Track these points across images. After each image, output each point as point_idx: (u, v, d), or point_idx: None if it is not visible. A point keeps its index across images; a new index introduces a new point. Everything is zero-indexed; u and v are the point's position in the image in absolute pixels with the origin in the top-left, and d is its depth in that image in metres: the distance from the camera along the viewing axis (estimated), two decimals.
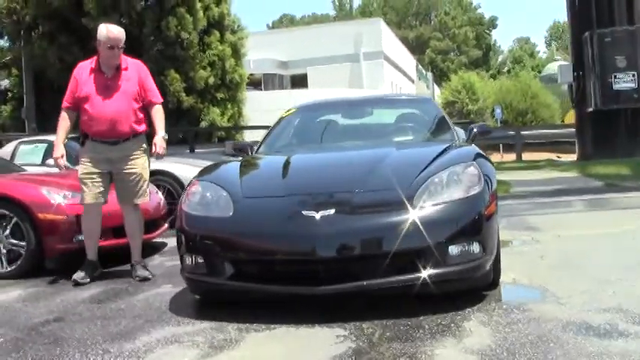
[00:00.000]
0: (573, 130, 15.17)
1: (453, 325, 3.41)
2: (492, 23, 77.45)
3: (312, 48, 35.57)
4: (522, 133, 18.74)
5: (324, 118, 5.93)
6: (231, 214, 3.81)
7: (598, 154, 12.59)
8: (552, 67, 48.16)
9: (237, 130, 17.75)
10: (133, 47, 16.35)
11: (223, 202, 3.93)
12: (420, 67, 54.87)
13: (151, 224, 6.24)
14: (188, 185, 4.34)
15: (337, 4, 73.64)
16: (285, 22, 74.66)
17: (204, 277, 3.83)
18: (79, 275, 5.06)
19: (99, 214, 5.24)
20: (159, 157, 5.30)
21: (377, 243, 3.57)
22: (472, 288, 3.89)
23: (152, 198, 6.50)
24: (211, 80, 16.51)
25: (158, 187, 7.33)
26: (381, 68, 36.65)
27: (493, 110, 36.18)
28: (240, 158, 5.11)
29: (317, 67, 35.90)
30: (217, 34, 16.79)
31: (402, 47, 45.93)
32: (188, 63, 16.01)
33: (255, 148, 5.45)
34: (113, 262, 5.73)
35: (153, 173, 7.70)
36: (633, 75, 12.57)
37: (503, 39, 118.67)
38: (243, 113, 18.14)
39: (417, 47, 60.50)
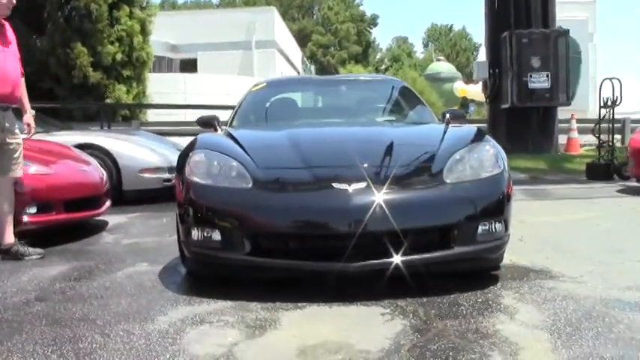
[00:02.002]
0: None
1: (491, 302, 3.33)
2: (373, 21, 78.75)
3: (203, 33, 34.77)
4: None
5: (298, 94, 5.71)
6: (251, 184, 3.55)
7: (511, 149, 13.00)
8: (435, 67, 49.77)
9: (141, 109, 17.04)
10: (36, 16, 15.56)
11: (236, 172, 3.66)
12: (305, 59, 55.16)
13: (93, 201, 5.83)
14: (184, 156, 3.99)
15: None
16: (167, 6, 72.76)
17: (218, 252, 3.53)
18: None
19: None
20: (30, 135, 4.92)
21: (413, 218, 3.43)
22: (487, 268, 3.87)
23: (94, 173, 6.07)
24: (119, 56, 15.70)
25: None
26: (273, 57, 36.41)
27: None
28: (220, 131, 4.84)
29: (207, 52, 35.17)
30: (127, 9, 15.98)
31: (291, 38, 45.90)
32: (96, 37, 15.11)
33: (228, 121, 5.20)
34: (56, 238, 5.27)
35: (82, 147, 7.24)
36: (547, 75, 13.11)
37: (382, 37, 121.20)
38: (147, 93, 17.45)
39: (298, 40, 60.58)
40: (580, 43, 15.29)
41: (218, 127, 5.03)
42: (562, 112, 14.57)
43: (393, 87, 5.87)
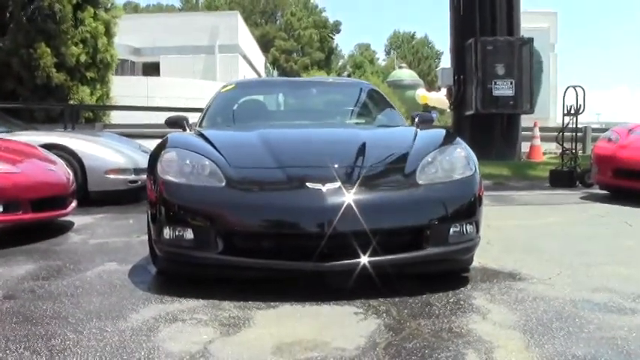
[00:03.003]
0: None
1: (463, 302, 3.37)
2: (336, 27, 78.92)
3: (166, 36, 34.66)
4: None
5: (267, 95, 5.71)
6: (224, 183, 3.53)
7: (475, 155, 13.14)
8: (397, 74, 50.08)
9: (104, 111, 16.83)
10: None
11: (209, 171, 3.64)
12: (268, 64, 55.07)
13: (60, 201, 5.74)
14: (155, 155, 3.95)
15: None
16: (129, 10, 71.99)
17: (191, 251, 3.51)
18: None
19: None
20: None
21: (386, 218, 3.45)
22: (457, 269, 3.91)
23: (60, 172, 5.98)
24: (82, 58, 15.49)
25: None
26: (237, 62, 36.35)
27: None
28: (189, 131, 4.81)
29: (170, 56, 35.00)
30: (91, 10, 15.79)
31: (254, 43, 45.83)
32: (60, 38, 14.90)
33: (198, 122, 5.17)
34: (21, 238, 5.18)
35: (47, 147, 7.13)
36: (511, 82, 13.26)
37: (344, 44, 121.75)
38: (110, 95, 17.24)
39: (261, 45, 60.57)
40: (541, 53, 15.47)
41: (187, 128, 5.00)
42: (524, 120, 14.78)
43: (361, 89, 5.90)
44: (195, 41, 35.21)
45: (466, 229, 3.65)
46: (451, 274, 3.89)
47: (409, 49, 79.53)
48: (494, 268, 4.19)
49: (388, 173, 3.73)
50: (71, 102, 15.44)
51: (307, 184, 3.45)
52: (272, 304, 3.30)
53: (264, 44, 64.89)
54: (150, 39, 34.99)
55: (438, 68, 20.21)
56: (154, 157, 3.93)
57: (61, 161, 6.30)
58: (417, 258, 3.50)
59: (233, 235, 3.45)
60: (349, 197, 3.37)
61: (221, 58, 35.98)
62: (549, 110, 26.97)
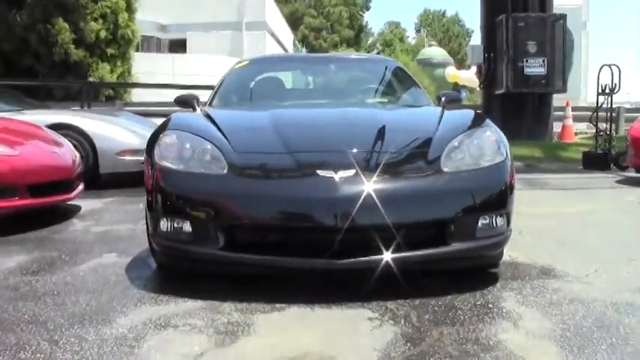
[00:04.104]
0: None
1: (492, 305, 2.99)
2: (366, 5, 77.90)
3: (193, 13, 34.23)
4: None
5: (283, 72, 5.33)
6: (226, 171, 3.18)
7: (505, 136, 12.67)
8: (427, 52, 49.31)
9: (125, 89, 16.52)
10: None
11: (211, 157, 3.29)
12: (296, 41, 54.56)
13: (63, 185, 5.43)
14: (154, 137, 3.61)
15: None
16: None
17: (190, 246, 3.16)
18: None
19: None
20: None
21: (407, 210, 3.07)
22: (485, 265, 3.54)
23: (65, 154, 5.67)
24: (102, 34, 15.17)
25: None
26: (264, 39, 35.86)
27: None
28: (198, 110, 4.46)
29: (197, 32, 34.63)
30: None
31: (282, 20, 45.28)
32: (78, 12, 14.57)
33: (208, 100, 4.82)
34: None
35: (57, 127, 6.84)
36: (543, 61, 12.72)
37: (374, 22, 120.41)
38: (132, 72, 16.93)
39: (290, 23, 59.96)
40: (573, 31, 14.87)
41: (197, 107, 4.65)
42: (555, 100, 14.24)
43: (386, 67, 5.49)
44: (222, 18, 34.74)
45: (495, 222, 3.26)
46: (479, 270, 3.52)
47: (439, 27, 78.35)
48: (526, 262, 3.81)
49: (410, 160, 3.34)
50: (90, 79, 15.15)
51: (318, 171, 3.08)
52: (278, 305, 2.96)
53: (293, 22, 64.20)
54: (176, 15, 34.62)
55: (468, 46, 19.50)
56: (153, 139, 3.58)
57: (68, 142, 5.99)
58: (441, 254, 3.13)
59: (235, 229, 3.10)
60: (366, 186, 3.00)
61: (248, 36, 35.47)
62: (580, 90, 26.27)
